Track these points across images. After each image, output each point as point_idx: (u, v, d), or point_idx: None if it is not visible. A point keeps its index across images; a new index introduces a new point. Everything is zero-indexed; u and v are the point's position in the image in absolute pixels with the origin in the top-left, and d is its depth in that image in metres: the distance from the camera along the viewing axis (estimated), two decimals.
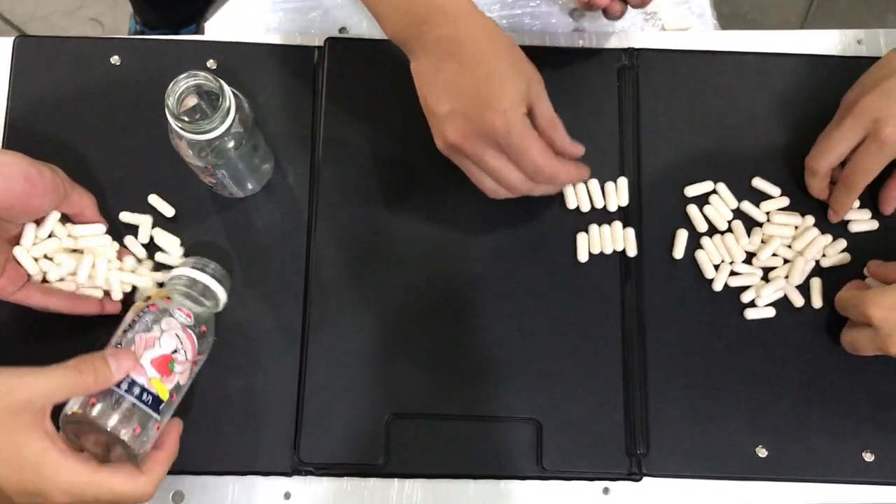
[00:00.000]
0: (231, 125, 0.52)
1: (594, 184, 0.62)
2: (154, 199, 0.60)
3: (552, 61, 0.64)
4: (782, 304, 0.60)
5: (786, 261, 0.61)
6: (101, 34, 1.37)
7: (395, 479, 0.58)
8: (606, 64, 0.64)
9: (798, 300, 0.60)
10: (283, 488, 0.57)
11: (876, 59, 0.65)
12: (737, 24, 1.40)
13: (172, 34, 1.31)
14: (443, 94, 0.52)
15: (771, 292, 0.60)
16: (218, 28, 0.68)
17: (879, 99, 0.56)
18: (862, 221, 0.62)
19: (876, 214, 0.62)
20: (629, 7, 0.61)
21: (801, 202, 0.62)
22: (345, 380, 0.58)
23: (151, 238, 0.60)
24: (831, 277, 0.61)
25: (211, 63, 0.63)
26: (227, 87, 0.51)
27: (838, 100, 0.63)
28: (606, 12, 0.61)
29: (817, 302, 0.60)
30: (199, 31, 1.38)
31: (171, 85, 0.50)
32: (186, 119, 0.51)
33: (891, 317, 0.53)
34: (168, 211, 0.60)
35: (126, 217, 0.60)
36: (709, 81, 0.64)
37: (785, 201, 0.62)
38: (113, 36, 0.66)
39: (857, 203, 0.61)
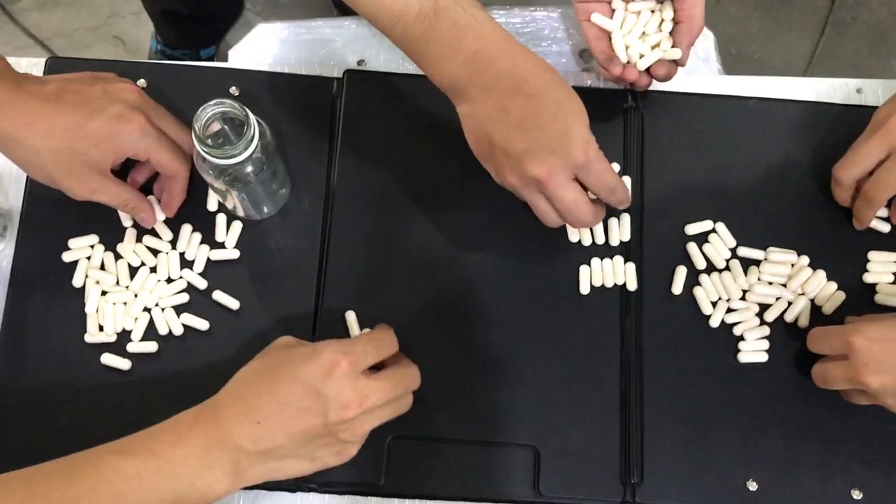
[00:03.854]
0: (254, 152, 0.54)
1: None
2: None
3: None
4: (774, 345, 0.62)
5: (778, 298, 0.63)
6: (124, 52, 1.40)
7: (395, 499, 0.60)
8: (613, 104, 0.67)
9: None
10: (285, 503, 0.59)
11: (874, 107, 0.67)
12: (743, 64, 1.43)
13: (193, 53, 1.35)
14: (516, 130, 0.52)
15: (756, 337, 0.62)
16: (241, 56, 0.71)
17: None
18: (883, 262, 0.64)
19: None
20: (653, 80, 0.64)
21: (799, 243, 0.64)
22: None
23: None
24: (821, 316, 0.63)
25: (233, 90, 0.66)
26: (252, 116, 0.53)
27: (837, 145, 0.65)
28: (634, 84, 0.64)
29: (804, 321, 0.62)
30: (220, 52, 1.42)
31: (199, 111, 0.53)
32: (211, 144, 0.53)
33: (872, 347, 0.54)
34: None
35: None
36: (712, 124, 0.67)
37: (805, 260, 0.63)
38: (140, 60, 0.69)
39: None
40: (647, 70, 0.64)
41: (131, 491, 0.47)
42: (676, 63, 0.64)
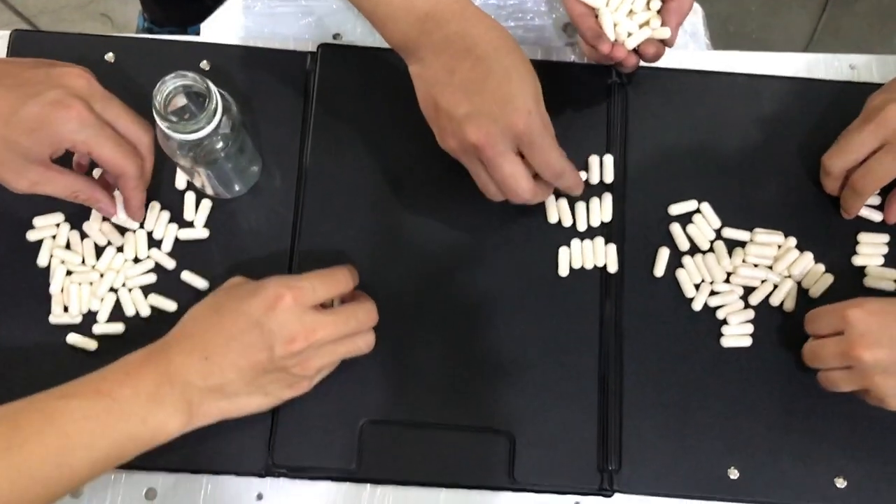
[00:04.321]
0: (218, 126, 0.52)
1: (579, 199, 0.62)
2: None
3: (544, 74, 0.63)
4: (759, 329, 0.60)
5: (764, 281, 0.61)
6: (111, 29, 1.38)
7: (367, 485, 0.58)
8: (597, 79, 0.65)
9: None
10: (256, 489, 0.58)
11: (868, 84, 0.65)
12: (741, 42, 1.40)
13: (180, 32, 1.32)
14: (460, 93, 0.51)
15: (740, 321, 0.60)
16: (213, 30, 0.69)
17: None
18: (872, 244, 0.62)
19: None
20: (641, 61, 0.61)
21: (786, 224, 0.62)
22: (321, 384, 0.58)
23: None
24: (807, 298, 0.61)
25: (204, 64, 0.64)
26: (214, 88, 0.51)
27: (828, 124, 0.63)
28: (621, 64, 0.62)
29: (790, 305, 0.61)
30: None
31: (158, 84, 0.51)
32: (173, 119, 0.51)
33: (870, 319, 0.52)
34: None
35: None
36: (698, 101, 0.65)
37: (792, 241, 0.62)
38: (110, 34, 0.67)
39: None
40: (635, 50, 0.61)
41: (79, 431, 0.47)
42: (664, 43, 0.61)
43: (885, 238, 0.62)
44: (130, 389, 0.49)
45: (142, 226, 0.61)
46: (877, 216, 0.62)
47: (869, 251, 0.61)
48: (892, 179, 0.58)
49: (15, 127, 0.50)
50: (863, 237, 0.62)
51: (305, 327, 0.50)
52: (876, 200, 0.62)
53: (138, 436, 0.49)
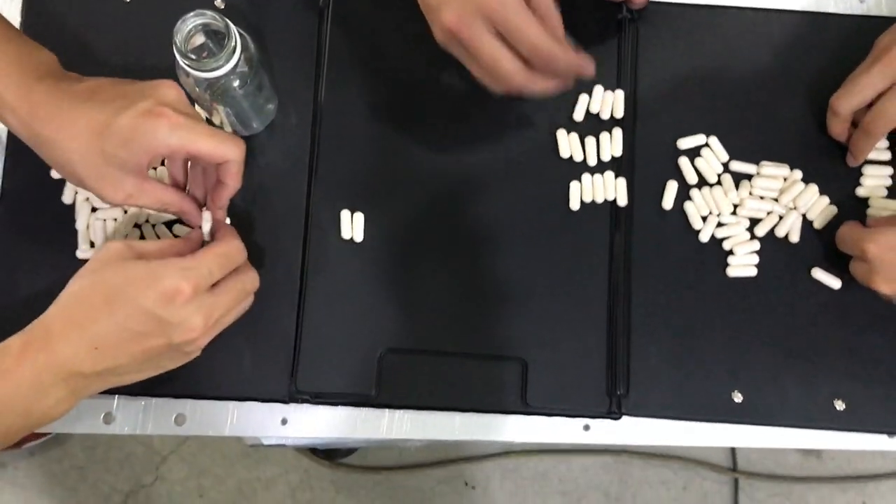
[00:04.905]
0: (237, 64, 0.53)
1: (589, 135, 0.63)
2: None
3: None
4: (764, 259, 0.62)
5: (769, 213, 0.62)
6: None
7: (386, 410, 0.61)
8: (607, 15, 0.65)
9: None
10: (280, 414, 0.61)
11: (876, 17, 0.66)
12: None
13: None
14: None
15: (746, 252, 0.62)
16: None
17: None
18: (876, 177, 0.63)
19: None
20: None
21: (792, 157, 0.63)
22: (341, 314, 0.61)
23: None
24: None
25: (219, 2, 0.65)
26: (233, 27, 0.52)
27: (836, 58, 0.64)
28: (631, 1, 0.62)
29: (794, 236, 0.63)
30: None
31: (178, 23, 0.52)
32: (193, 57, 0.52)
33: (884, 256, 0.55)
34: None
35: None
36: (708, 36, 0.65)
37: (797, 174, 0.63)
38: None
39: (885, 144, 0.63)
40: None
41: None
42: None
43: (889, 171, 0.63)
44: (11, 384, 0.48)
45: (163, 163, 0.62)
46: (885, 155, 0.63)
47: (872, 183, 0.63)
48: None
49: (110, 139, 0.50)
50: (867, 169, 0.63)
51: (204, 315, 0.50)
52: (884, 144, 0.63)
53: (22, 425, 0.49)
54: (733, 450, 1.30)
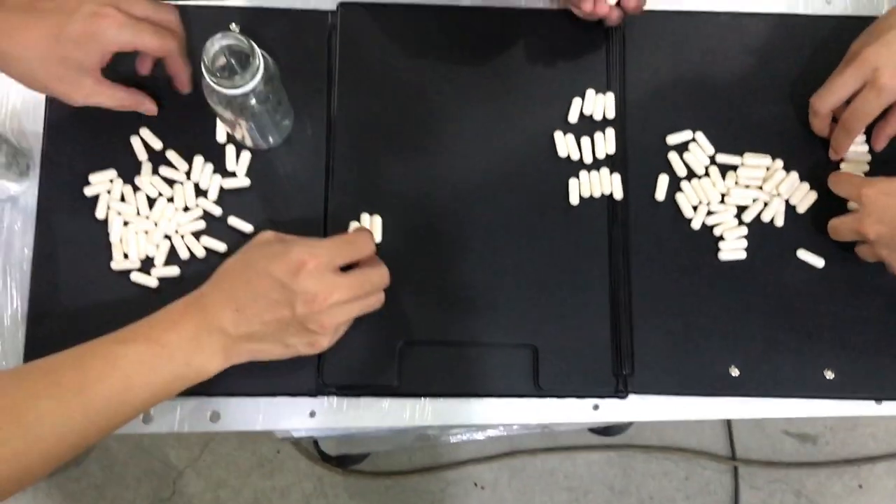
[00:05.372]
0: (259, 82, 0.58)
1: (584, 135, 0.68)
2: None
3: (544, 23, 0.70)
4: (752, 243, 0.67)
5: (755, 200, 0.67)
6: None
7: (408, 399, 0.65)
8: (595, 24, 0.70)
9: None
10: (308, 407, 0.64)
11: (842, 17, 0.71)
12: None
13: None
14: None
15: (735, 237, 0.67)
16: None
17: (879, 49, 0.61)
18: (857, 162, 0.68)
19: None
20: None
21: (773, 148, 0.68)
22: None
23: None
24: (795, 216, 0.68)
25: (233, 27, 0.69)
26: (256, 47, 0.57)
27: (807, 54, 0.69)
28: (606, 19, 0.66)
29: (779, 220, 0.67)
30: None
31: (206, 44, 0.56)
32: (220, 75, 0.57)
33: (879, 199, 0.60)
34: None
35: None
36: (689, 39, 0.70)
37: (779, 163, 0.68)
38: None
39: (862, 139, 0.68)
40: (618, 3, 0.66)
41: (137, 373, 0.54)
42: None
43: (866, 148, 0.68)
44: (175, 336, 0.55)
45: (188, 177, 0.66)
46: (863, 148, 0.68)
47: (852, 168, 0.68)
48: (876, 116, 0.63)
49: (66, 43, 0.57)
50: (848, 155, 0.68)
51: (324, 289, 0.56)
52: (861, 138, 0.68)
53: (184, 375, 0.56)
54: (731, 439, 1.35)
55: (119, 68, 0.63)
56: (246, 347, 0.57)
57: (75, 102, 0.60)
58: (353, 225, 0.65)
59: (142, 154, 0.66)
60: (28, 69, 0.58)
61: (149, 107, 0.65)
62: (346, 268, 0.59)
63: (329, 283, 0.56)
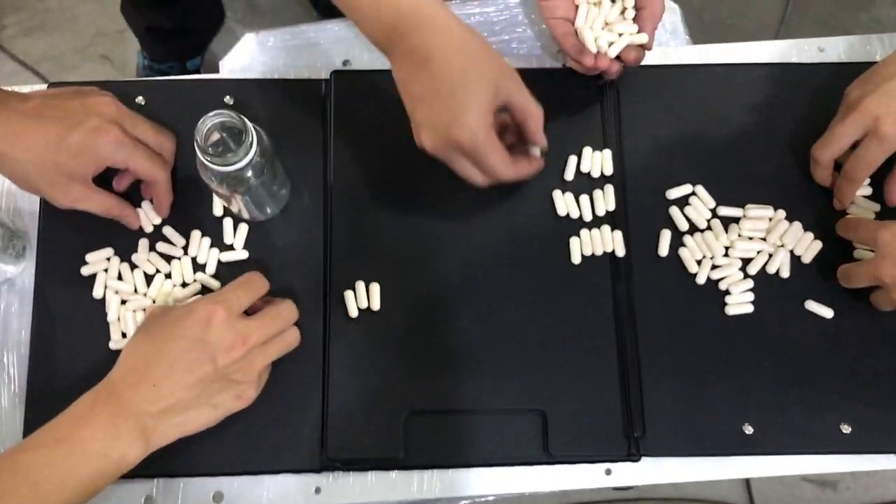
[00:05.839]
0: (253, 157, 0.58)
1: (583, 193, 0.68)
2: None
3: (539, 81, 0.69)
4: (759, 296, 0.66)
5: (759, 252, 0.66)
6: (112, 69, 1.43)
7: (415, 471, 0.63)
8: (589, 80, 0.70)
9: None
10: (313, 484, 0.63)
11: (836, 64, 0.71)
12: (717, 30, 1.46)
13: (180, 66, 1.38)
14: (416, 103, 0.58)
15: (741, 290, 0.65)
16: (232, 66, 0.74)
17: (880, 99, 0.61)
18: (865, 209, 0.67)
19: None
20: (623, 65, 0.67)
21: (774, 198, 0.67)
22: (364, 382, 0.64)
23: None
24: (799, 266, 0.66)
25: (228, 99, 0.69)
26: (249, 123, 0.57)
27: (802, 104, 0.69)
28: (606, 72, 0.67)
29: (785, 272, 0.66)
30: (206, 62, 1.45)
31: (199, 123, 0.56)
32: (212, 152, 0.56)
33: (894, 241, 0.59)
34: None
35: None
36: (684, 93, 0.70)
37: (781, 213, 0.67)
38: (132, 79, 0.72)
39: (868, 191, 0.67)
40: (618, 57, 0.67)
41: (47, 479, 0.52)
42: (643, 47, 0.66)
43: (877, 207, 0.67)
44: (87, 431, 0.53)
45: (186, 252, 0.66)
46: (866, 191, 0.67)
47: (859, 213, 0.67)
48: (879, 166, 0.63)
49: (63, 152, 0.59)
50: (855, 202, 0.67)
51: (240, 335, 0.56)
52: (867, 191, 0.68)
53: (103, 469, 0.53)
54: (749, 488, 1.32)
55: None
56: (169, 423, 0.55)
57: (62, 206, 0.61)
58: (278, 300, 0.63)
59: (147, 225, 0.66)
60: (22, 171, 0.59)
61: (132, 220, 0.65)
62: (250, 313, 0.59)
63: (242, 327, 0.56)
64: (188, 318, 0.55)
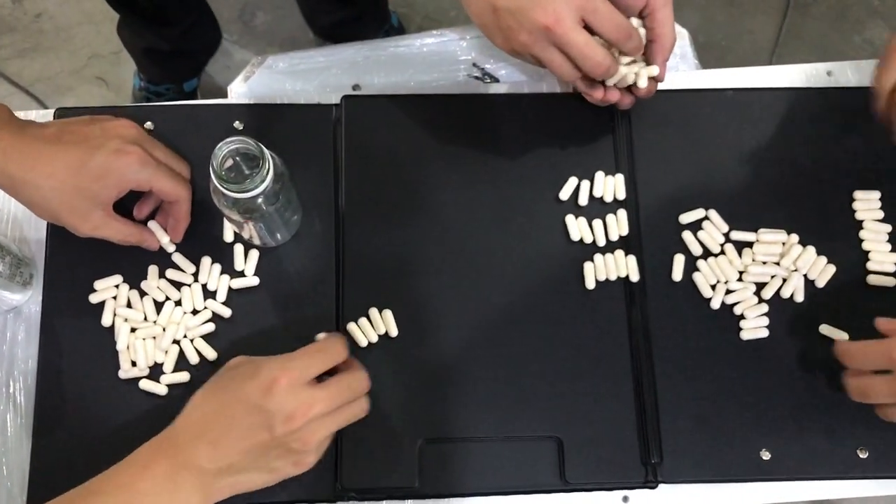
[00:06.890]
0: (268, 184, 0.57)
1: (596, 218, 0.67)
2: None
3: (552, 106, 0.70)
4: (773, 320, 0.66)
5: (773, 276, 0.66)
6: (107, 91, 1.42)
7: (431, 500, 0.62)
8: (602, 107, 0.70)
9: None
10: None
11: (845, 89, 0.71)
12: (712, 52, 1.47)
13: (176, 87, 1.37)
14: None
15: (756, 315, 0.65)
16: (241, 91, 0.74)
17: None
18: (874, 231, 0.67)
19: None
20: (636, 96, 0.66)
21: (787, 223, 0.68)
22: (378, 410, 0.63)
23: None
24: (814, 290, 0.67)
25: (237, 124, 0.69)
26: (265, 150, 0.56)
27: (813, 127, 0.69)
28: (618, 104, 0.67)
29: (799, 296, 0.66)
30: (202, 83, 1.44)
31: (216, 149, 0.56)
32: (227, 178, 0.56)
33: None
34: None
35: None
36: (695, 117, 0.70)
37: (794, 237, 0.67)
38: (135, 104, 0.71)
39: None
40: (629, 89, 0.66)
41: None
42: (655, 79, 0.66)
43: (888, 228, 0.68)
44: (149, 481, 0.52)
45: (196, 279, 0.65)
46: (878, 215, 0.67)
47: (871, 237, 0.67)
48: None
49: (85, 176, 0.58)
50: (866, 224, 0.67)
51: (302, 405, 0.53)
52: (876, 195, 0.67)
53: None
54: None
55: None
56: (226, 482, 0.53)
57: (81, 233, 0.60)
58: (321, 336, 0.59)
59: (163, 238, 0.65)
60: (41, 197, 0.58)
61: (152, 243, 0.64)
62: (324, 376, 0.56)
63: (306, 397, 0.53)
64: (252, 380, 0.53)
